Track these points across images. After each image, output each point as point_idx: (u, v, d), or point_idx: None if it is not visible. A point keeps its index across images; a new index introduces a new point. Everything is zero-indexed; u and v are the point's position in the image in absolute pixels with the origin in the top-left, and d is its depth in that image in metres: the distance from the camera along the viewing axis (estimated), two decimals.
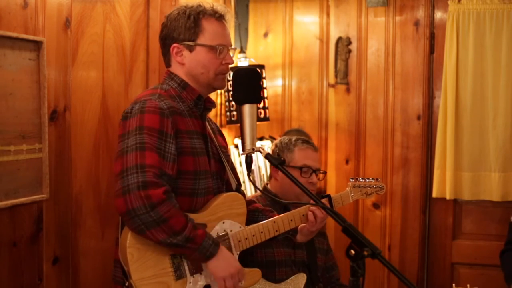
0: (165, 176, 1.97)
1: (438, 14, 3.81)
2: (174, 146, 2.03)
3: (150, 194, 1.90)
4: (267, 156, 2.03)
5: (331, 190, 3.92)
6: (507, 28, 3.56)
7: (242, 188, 3.30)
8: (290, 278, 2.54)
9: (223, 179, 2.28)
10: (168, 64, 2.23)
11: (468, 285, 2.58)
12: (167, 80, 2.20)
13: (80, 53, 2.70)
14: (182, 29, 2.15)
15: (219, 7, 2.20)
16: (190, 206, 2.10)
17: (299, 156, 2.75)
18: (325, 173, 2.94)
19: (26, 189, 2.42)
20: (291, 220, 2.34)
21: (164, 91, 2.15)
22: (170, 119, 2.04)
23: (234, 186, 2.32)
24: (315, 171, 2.77)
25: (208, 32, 2.15)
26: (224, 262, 2.07)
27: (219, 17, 2.19)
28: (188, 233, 1.96)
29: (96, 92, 2.81)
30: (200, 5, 2.18)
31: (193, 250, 2.00)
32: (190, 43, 2.15)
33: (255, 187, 3.62)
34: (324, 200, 2.43)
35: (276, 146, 2.84)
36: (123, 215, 1.94)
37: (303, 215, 2.36)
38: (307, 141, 2.83)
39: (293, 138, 2.83)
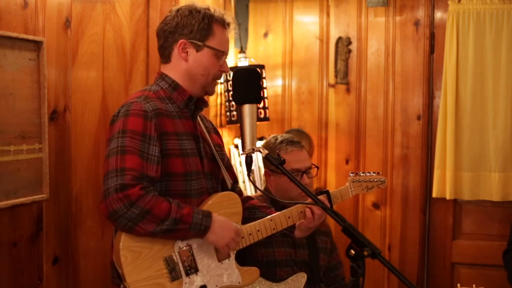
0: (146, 178, 1.97)
1: (438, 14, 3.81)
2: (158, 148, 2.03)
3: (129, 194, 1.91)
4: (267, 156, 2.03)
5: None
6: (507, 28, 3.56)
7: (242, 188, 3.30)
8: (290, 278, 2.52)
9: (218, 178, 2.29)
10: (167, 58, 2.22)
11: (474, 285, 2.53)
12: (158, 81, 2.21)
13: (80, 53, 2.70)
14: (195, 28, 2.16)
15: (227, 15, 2.24)
16: None
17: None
18: (317, 167, 2.79)
19: (26, 189, 2.42)
20: (289, 217, 2.33)
21: (152, 93, 2.15)
22: (154, 121, 2.04)
23: (229, 185, 2.32)
24: (305, 171, 2.66)
25: (217, 37, 2.19)
26: (221, 230, 2.08)
27: (227, 25, 2.23)
28: (174, 215, 1.97)
29: (96, 92, 2.81)
30: (209, 9, 2.20)
31: (186, 230, 2.01)
32: (199, 43, 2.17)
33: (255, 187, 3.61)
34: (323, 197, 2.40)
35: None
36: (108, 218, 1.95)
37: (301, 212, 2.34)
38: (291, 141, 2.69)
39: (277, 141, 2.69)
